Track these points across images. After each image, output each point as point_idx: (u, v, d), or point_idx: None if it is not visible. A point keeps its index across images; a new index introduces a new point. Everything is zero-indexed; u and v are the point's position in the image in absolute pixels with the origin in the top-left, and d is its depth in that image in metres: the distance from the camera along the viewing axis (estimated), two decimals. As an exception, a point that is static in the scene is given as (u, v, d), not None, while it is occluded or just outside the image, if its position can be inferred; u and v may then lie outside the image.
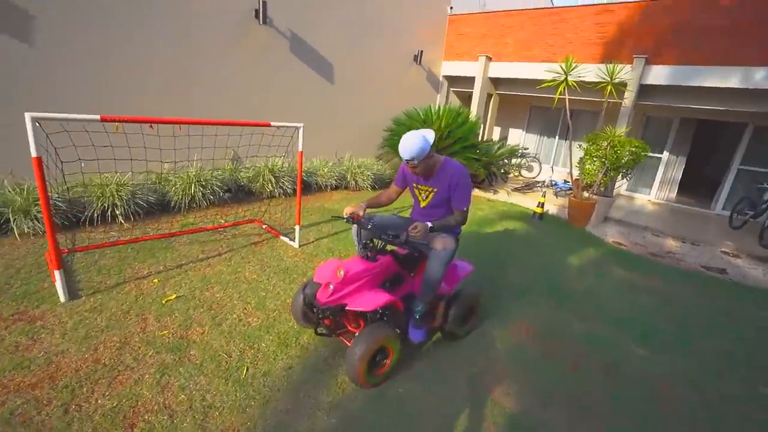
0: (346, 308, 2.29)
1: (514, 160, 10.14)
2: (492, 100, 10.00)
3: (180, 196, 5.05)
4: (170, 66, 5.28)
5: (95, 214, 4.32)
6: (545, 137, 10.78)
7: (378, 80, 8.49)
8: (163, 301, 3.03)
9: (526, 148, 10.48)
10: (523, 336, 3.10)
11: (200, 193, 5.20)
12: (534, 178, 10.20)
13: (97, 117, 2.72)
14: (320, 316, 2.37)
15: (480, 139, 9.60)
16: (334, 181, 7.19)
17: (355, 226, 2.58)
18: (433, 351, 2.80)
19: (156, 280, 3.34)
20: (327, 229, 5.08)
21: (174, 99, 5.44)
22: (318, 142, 7.41)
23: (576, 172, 7.33)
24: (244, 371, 2.38)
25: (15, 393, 2.06)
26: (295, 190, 6.45)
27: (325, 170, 7.11)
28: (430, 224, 2.41)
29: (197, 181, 5.21)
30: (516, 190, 8.70)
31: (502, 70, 9.01)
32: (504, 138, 11.11)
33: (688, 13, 6.72)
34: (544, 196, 6.90)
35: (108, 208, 4.41)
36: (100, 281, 3.26)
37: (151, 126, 3.04)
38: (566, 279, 4.38)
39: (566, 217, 6.99)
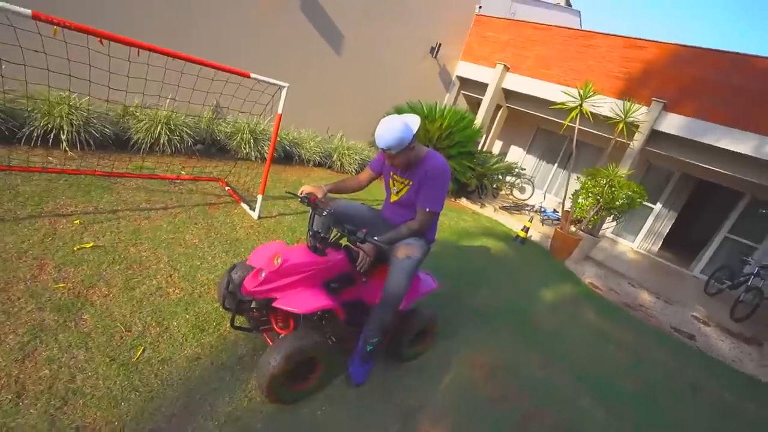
0: (273, 305, 1.89)
1: (508, 178, 9.84)
2: (500, 112, 9.66)
3: (142, 136, 4.53)
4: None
5: (35, 134, 3.78)
6: (544, 162, 10.52)
7: (388, 64, 8.02)
8: (75, 248, 2.57)
9: (523, 169, 10.19)
10: (476, 372, 2.76)
11: (166, 138, 4.68)
12: (525, 200, 9.93)
13: (29, 12, 2.22)
14: (239, 306, 1.97)
15: (479, 148, 9.25)
16: (318, 158, 6.71)
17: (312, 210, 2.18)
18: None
19: (78, 221, 2.87)
20: (296, 205, 4.65)
21: (165, 30, 4.87)
22: (311, 112, 6.95)
23: (568, 204, 7.07)
24: (138, 353, 1.97)
25: None
26: (274, 158, 6.00)
27: (312, 144, 6.64)
28: (375, 240, 2.00)
29: (165, 123, 4.69)
30: (504, 208, 8.41)
31: (517, 83, 8.66)
32: (503, 153, 10.81)
33: (718, 67, 6.47)
34: (530, 221, 6.62)
35: (52, 130, 3.87)
36: (10, 209, 2.76)
37: (100, 41, 2.54)
38: (536, 314, 4.08)
39: (548, 247, 6.73)
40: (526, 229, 6.51)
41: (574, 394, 2.93)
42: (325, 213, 2.06)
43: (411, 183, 2.19)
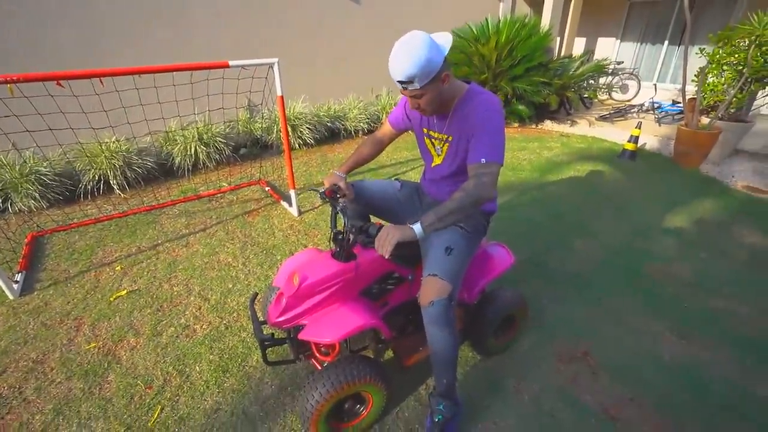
0: (299, 337, 1.49)
1: (602, 80, 7.95)
2: (573, 1, 7.69)
3: (182, 159, 4.53)
4: None
5: (89, 186, 3.99)
6: (648, 44, 8.22)
7: (418, -7, 6.86)
8: (112, 298, 2.53)
9: (619, 62, 8.13)
10: (573, 369, 2.03)
11: (204, 153, 4.63)
12: (629, 101, 7.97)
13: (-29, 76, 2.07)
14: (266, 342, 1.61)
15: (555, 56, 7.59)
16: (365, 125, 6.15)
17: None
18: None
19: (119, 268, 2.87)
20: (341, 188, 4.21)
21: (145, 48, 4.42)
22: (346, 78, 6.33)
23: (691, 89, 5.30)
24: (156, 414, 1.77)
25: None
26: (317, 139, 5.66)
27: (356, 112, 6.09)
28: (417, 227, 1.33)
29: (199, 139, 4.62)
30: (603, 118, 6.81)
31: (588, -47, 6.67)
32: (589, 51, 8.75)
33: None
34: (639, 127, 5.12)
35: (101, 179, 4.04)
36: (65, 269, 2.87)
37: (58, 83, 2.33)
38: (660, 258, 3.01)
39: (671, 153, 5.18)
40: (634, 139, 5.07)
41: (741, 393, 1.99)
42: (339, 207, 1.56)
43: (450, 138, 1.53)
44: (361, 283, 1.60)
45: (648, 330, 2.26)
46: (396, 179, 1.90)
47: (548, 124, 6.88)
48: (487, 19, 6.62)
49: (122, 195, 4.09)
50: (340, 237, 1.54)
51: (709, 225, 3.47)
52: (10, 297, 2.55)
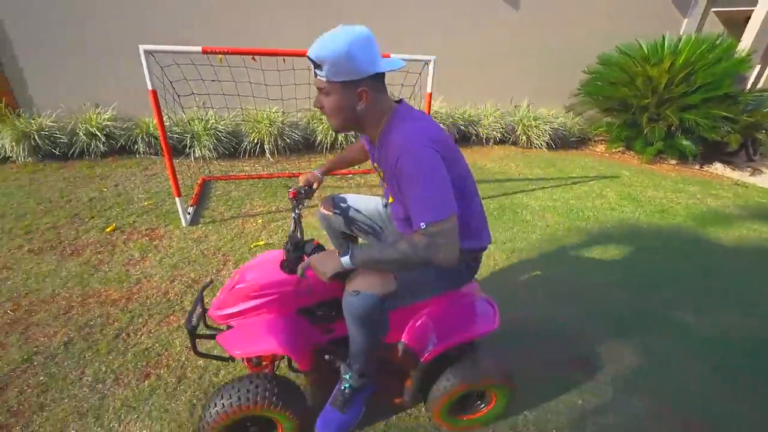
0: (216, 339, 1.41)
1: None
2: (791, 23, 6.24)
3: (323, 137, 5.02)
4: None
5: (248, 147, 4.69)
6: None
7: (585, 3, 6.32)
8: (252, 245, 2.96)
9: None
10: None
11: (342, 135, 5.05)
12: None
13: (198, 48, 2.59)
14: (194, 331, 1.40)
15: (749, 87, 6.29)
16: (498, 134, 5.98)
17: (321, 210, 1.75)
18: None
19: (260, 221, 3.33)
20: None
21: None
22: (487, 83, 6.23)
23: None
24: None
25: (100, 305, 2.28)
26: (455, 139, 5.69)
27: (491, 119, 5.95)
28: (346, 260, 1.16)
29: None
30: (799, 173, 5.45)
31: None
32: (800, 87, 7.03)
33: None
34: None
35: (259, 143, 4.72)
36: (221, 212, 3.45)
37: (253, 58, 2.78)
38: None
39: None
40: None
41: None
42: (296, 212, 1.48)
43: (383, 174, 1.33)
44: (301, 301, 1.41)
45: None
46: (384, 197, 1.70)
47: (718, 168, 5.78)
48: (663, 37, 5.80)
49: (272, 159, 4.71)
50: (302, 244, 1.36)
51: None
52: (183, 224, 3.17)
